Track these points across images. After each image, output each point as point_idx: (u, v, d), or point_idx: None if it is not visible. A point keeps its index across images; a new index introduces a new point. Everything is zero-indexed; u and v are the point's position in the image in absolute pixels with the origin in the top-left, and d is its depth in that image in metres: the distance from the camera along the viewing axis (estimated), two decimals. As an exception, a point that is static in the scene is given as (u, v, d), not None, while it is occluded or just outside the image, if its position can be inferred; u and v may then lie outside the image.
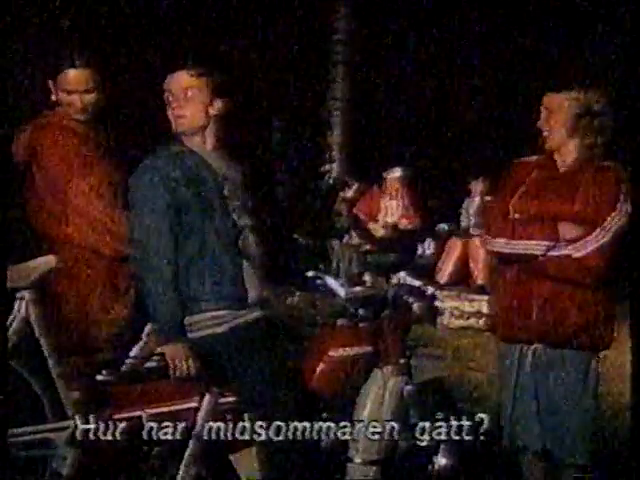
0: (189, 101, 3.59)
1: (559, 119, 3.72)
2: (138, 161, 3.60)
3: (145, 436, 3.38)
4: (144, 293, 3.51)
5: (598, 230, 3.61)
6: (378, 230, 10.88)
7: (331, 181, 11.93)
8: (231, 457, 3.57)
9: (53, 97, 3.92)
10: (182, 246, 3.52)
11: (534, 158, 3.88)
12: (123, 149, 4.14)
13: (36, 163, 3.81)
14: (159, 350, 3.46)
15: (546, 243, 3.63)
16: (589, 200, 3.67)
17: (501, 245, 3.75)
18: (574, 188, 3.71)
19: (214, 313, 3.53)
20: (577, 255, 3.61)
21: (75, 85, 3.87)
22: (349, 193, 11.23)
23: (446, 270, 10.23)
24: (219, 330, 3.52)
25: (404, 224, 11.02)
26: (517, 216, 3.74)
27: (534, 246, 3.65)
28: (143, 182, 3.52)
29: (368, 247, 10.43)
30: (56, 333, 3.54)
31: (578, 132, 3.71)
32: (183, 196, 3.52)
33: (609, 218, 3.62)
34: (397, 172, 11.09)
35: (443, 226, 10.69)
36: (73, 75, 3.87)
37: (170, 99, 3.61)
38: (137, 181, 3.54)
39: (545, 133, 3.76)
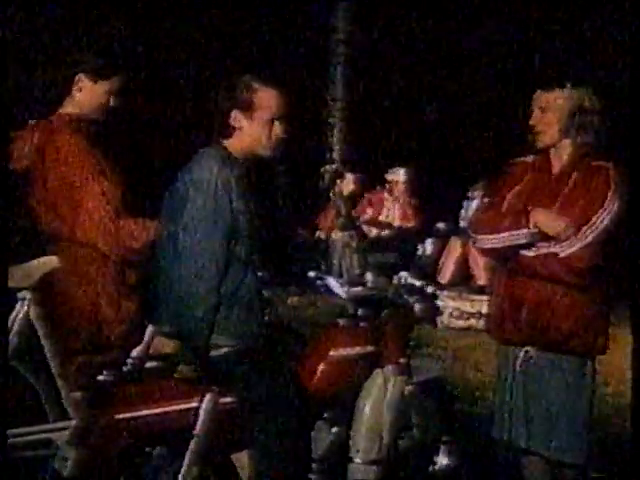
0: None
1: (553, 117, 3.71)
2: (148, 168, 3.54)
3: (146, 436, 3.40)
4: (182, 311, 3.38)
5: (584, 229, 3.60)
6: (371, 231, 10.91)
7: (327, 178, 11.95)
8: (233, 457, 3.57)
9: (77, 94, 3.89)
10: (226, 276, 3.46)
11: (530, 158, 3.87)
12: (131, 156, 4.13)
13: (47, 166, 3.79)
14: (182, 371, 3.44)
15: (525, 231, 3.63)
16: (576, 201, 3.67)
17: (486, 241, 3.76)
18: (566, 189, 3.71)
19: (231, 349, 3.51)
20: (563, 254, 3.61)
21: (118, 87, 3.91)
22: (345, 187, 11.23)
23: (447, 270, 10.24)
24: (231, 349, 3.51)
25: (402, 225, 11.05)
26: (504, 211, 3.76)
27: (517, 236, 3.65)
28: (211, 197, 3.39)
29: (361, 244, 10.45)
30: (59, 333, 3.53)
31: (572, 131, 3.71)
32: (242, 225, 3.46)
33: (595, 217, 3.61)
34: (400, 174, 11.10)
35: (441, 226, 10.69)
36: (122, 79, 3.90)
37: (279, 118, 3.54)
38: (204, 192, 3.39)
39: (537, 131, 3.76)
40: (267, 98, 3.54)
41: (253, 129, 3.55)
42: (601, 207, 3.61)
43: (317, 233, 10.84)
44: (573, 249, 3.60)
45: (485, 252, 3.93)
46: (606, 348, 3.75)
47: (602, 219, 3.60)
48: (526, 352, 3.74)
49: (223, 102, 3.56)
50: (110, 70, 3.88)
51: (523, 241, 3.64)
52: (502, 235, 3.69)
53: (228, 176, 3.45)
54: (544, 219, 3.63)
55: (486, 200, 4.16)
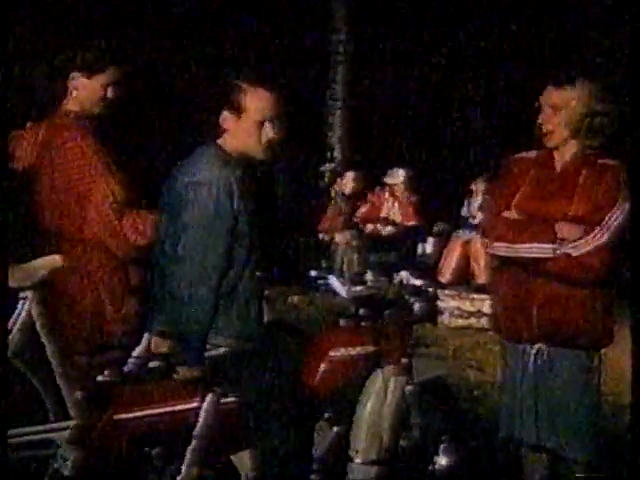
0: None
1: (564, 118, 3.67)
2: (150, 164, 3.54)
3: (147, 436, 3.40)
4: (180, 312, 3.38)
5: (597, 229, 3.60)
6: (365, 227, 10.94)
7: (327, 177, 11.95)
8: (233, 457, 3.57)
9: (74, 92, 3.89)
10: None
11: (532, 154, 3.85)
12: (134, 152, 4.14)
13: (53, 163, 3.80)
14: (181, 371, 3.44)
15: (551, 246, 3.62)
16: (588, 199, 3.66)
17: (503, 249, 3.73)
18: (572, 187, 3.70)
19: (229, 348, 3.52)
20: (576, 254, 3.60)
21: (114, 78, 3.91)
22: (346, 186, 11.24)
23: (447, 270, 10.24)
24: (230, 348, 3.52)
25: (404, 223, 11.07)
26: (518, 217, 3.73)
27: (540, 249, 3.64)
28: (212, 199, 3.39)
29: (362, 243, 10.47)
30: (61, 333, 3.54)
31: (581, 133, 3.70)
32: (242, 226, 3.47)
33: (608, 216, 3.61)
34: (400, 175, 11.11)
35: (441, 225, 10.70)
36: (117, 71, 3.90)
37: (270, 121, 3.53)
38: (205, 194, 3.39)
39: (547, 131, 3.74)
40: (256, 99, 3.52)
41: (241, 130, 3.53)
42: (614, 206, 3.61)
43: (321, 235, 10.84)
44: (587, 248, 3.59)
45: (496, 257, 3.89)
46: (612, 339, 3.76)
47: (615, 218, 3.61)
48: (538, 349, 3.74)
49: (213, 102, 3.56)
50: (102, 63, 3.88)
51: (544, 255, 3.63)
52: (521, 246, 3.66)
53: (229, 177, 3.45)
54: (570, 234, 3.62)
55: (490, 198, 4.13)
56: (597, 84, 3.70)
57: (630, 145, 3.57)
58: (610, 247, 3.60)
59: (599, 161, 3.71)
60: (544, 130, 3.72)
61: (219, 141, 3.57)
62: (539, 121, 3.73)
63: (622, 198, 3.63)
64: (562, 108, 3.67)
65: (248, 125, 3.52)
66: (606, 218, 3.60)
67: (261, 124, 3.53)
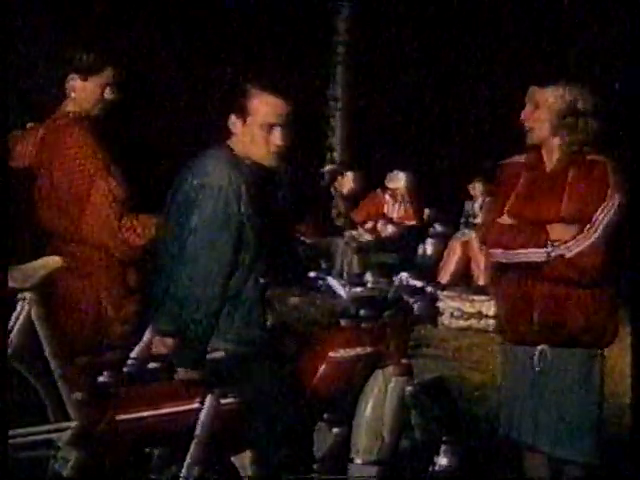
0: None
1: (543, 115, 3.70)
2: (150, 165, 3.54)
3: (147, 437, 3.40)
4: (184, 313, 3.39)
5: (587, 227, 3.60)
6: (362, 234, 10.94)
7: (327, 177, 11.94)
8: (233, 458, 3.57)
9: (72, 93, 3.90)
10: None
11: (522, 157, 3.86)
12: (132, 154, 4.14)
13: (54, 163, 3.80)
14: (181, 372, 3.44)
15: (544, 250, 3.62)
16: (577, 198, 3.66)
17: (499, 255, 3.74)
18: (562, 187, 3.70)
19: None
20: (570, 255, 3.60)
21: (111, 80, 3.91)
22: (345, 186, 11.24)
23: (447, 271, 10.24)
24: (231, 351, 3.51)
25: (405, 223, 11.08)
26: (512, 222, 3.73)
27: (534, 253, 3.64)
28: (221, 203, 3.39)
29: (358, 244, 10.47)
30: (60, 334, 3.54)
31: (562, 130, 3.70)
32: (248, 231, 3.47)
33: (597, 213, 3.60)
34: (401, 179, 11.11)
35: (439, 227, 10.71)
36: (114, 72, 3.91)
37: (278, 128, 3.51)
38: (215, 198, 3.39)
39: (528, 127, 3.75)
40: (262, 104, 3.51)
41: (247, 134, 3.53)
42: (602, 203, 3.61)
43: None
44: (580, 248, 3.59)
45: (495, 262, 3.90)
46: (615, 336, 3.76)
47: (605, 215, 3.60)
48: (541, 350, 3.73)
49: (221, 105, 3.56)
50: (98, 64, 3.89)
51: (539, 259, 3.63)
52: (517, 252, 3.67)
53: (239, 182, 3.45)
54: (563, 234, 3.62)
55: (489, 203, 4.16)
56: (579, 84, 3.72)
57: (627, 143, 3.57)
58: (604, 245, 3.59)
59: (587, 157, 3.71)
60: (526, 127, 3.75)
61: (229, 144, 3.58)
62: (521, 117, 3.75)
63: (610, 194, 3.62)
64: (541, 106, 3.69)
65: (254, 129, 3.52)
66: (595, 216, 3.60)
67: (268, 130, 3.52)
